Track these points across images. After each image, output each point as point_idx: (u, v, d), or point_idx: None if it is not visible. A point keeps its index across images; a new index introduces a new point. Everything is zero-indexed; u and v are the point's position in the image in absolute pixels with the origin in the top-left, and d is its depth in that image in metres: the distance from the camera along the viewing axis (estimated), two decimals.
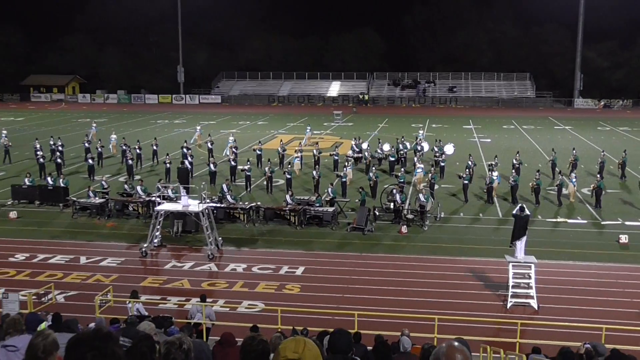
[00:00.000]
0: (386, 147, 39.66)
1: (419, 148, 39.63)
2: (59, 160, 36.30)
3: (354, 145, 40.66)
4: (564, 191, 29.79)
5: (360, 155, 39.25)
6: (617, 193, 31.99)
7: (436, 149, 38.97)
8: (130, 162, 36.51)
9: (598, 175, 31.06)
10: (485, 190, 30.93)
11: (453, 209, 29.42)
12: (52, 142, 39.88)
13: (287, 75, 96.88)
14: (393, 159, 37.74)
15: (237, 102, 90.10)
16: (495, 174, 31.12)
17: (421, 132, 48.09)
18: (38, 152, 37.09)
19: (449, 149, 38.64)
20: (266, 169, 33.03)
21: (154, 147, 40.29)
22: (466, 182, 30.86)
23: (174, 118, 68.68)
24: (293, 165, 35.27)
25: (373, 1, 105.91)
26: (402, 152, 39.47)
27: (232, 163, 34.75)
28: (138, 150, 38.70)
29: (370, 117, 69.75)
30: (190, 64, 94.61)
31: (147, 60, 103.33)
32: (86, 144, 41.23)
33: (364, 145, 40.23)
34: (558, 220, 27.40)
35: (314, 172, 32.23)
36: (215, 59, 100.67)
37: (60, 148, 39.12)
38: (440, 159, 37.06)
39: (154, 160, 39.43)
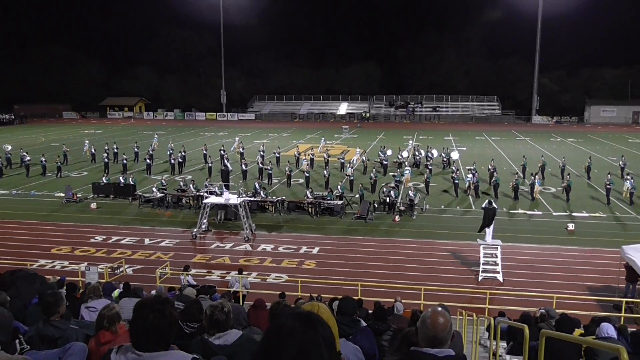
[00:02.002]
0: (404, 153, 39.54)
1: (429, 155, 39.02)
2: (124, 161, 36.68)
3: (380, 153, 40.12)
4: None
5: (386, 161, 38.49)
6: (577, 191, 31.51)
7: (444, 155, 38.60)
8: (172, 161, 37.53)
9: (568, 176, 30.41)
10: (472, 189, 30.52)
11: (440, 202, 29.24)
12: (106, 147, 40.28)
13: (306, 98, 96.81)
14: (386, 162, 37.55)
15: (267, 118, 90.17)
16: (470, 175, 31.01)
17: (411, 142, 47.91)
18: (103, 154, 37.74)
19: (454, 154, 38.43)
20: (286, 168, 33.54)
21: (204, 152, 40.48)
22: (457, 181, 30.63)
23: (218, 131, 68.86)
24: (302, 165, 36.22)
25: (373, 40, 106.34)
26: (417, 157, 39.25)
27: (260, 165, 35.22)
28: (183, 153, 39.22)
29: (371, 131, 69.55)
30: (230, 88, 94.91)
31: (197, 86, 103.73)
32: (135, 149, 42.06)
33: (389, 152, 40.06)
34: (518, 211, 27.22)
35: (325, 172, 32.49)
36: (250, 85, 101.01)
37: (115, 150, 40.89)
38: (428, 163, 36.85)
39: (205, 162, 39.32)
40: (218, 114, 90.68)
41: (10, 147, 41.15)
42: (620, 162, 35.43)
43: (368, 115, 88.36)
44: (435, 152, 39.72)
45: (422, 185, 31.53)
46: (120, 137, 58.68)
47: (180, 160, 38.15)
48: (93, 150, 41.76)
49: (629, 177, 29.59)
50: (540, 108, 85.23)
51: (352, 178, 31.98)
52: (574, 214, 26.32)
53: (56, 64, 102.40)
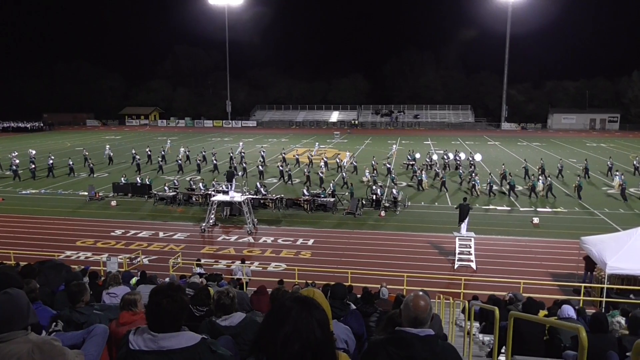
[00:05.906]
0: (435, 156, 39.37)
1: (457, 157, 38.59)
2: (138, 162, 36.60)
3: (408, 156, 39.81)
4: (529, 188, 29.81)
5: (413, 162, 37.81)
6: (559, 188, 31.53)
7: (470, 158, 38.03)
8: (179, 162, 37.66)
9: (578, 177, 30.08)
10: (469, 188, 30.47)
11: (426, 198, 29.32)
12: (108, 151, 39.82)
13: (302, 107, 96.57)
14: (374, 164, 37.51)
15: (268, 125, 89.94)
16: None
17: (394, 146, 47.86)
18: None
19: (477, 156, 37.95)
20: (287, 168, 33.69)
21: (230, 154, 40.09)
22: (474, 182, 30.31)
23: (224, 137, 68.66)
24: (320, 168, 35.16)
25: (361, 56, 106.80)
26: (446, 160, 38.69)
27: (260, 168, 35.17)
28: (199, 155, 39.30)
29: (359, 136, 69.57)
30: (235, 99, 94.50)
31: (205, 97, 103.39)
32: (147, 152, 42.05)
33: (417, 155, 39.78)
34: (490, 207, 27.30)
35: (323, 171, 32.59)
36: (252, 96, 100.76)
37: (133, 153, 40.71)
38: (425, 165, 37.00)
39: (231, 162, 38.87)
40: (224, 121, 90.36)
41: (16, 153, 40.42)
42: (609, 162, 36.43)
43: (357, 122, 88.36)
44: (463, 155, 39.04)
45: (439, 184, 31.64)
46: (137, 142, 58.44)
47: (199, 161, 38.40)
48: (110, 153, 41.40)
49: (617, 173, 30.75)
50: (509, 116, 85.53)
51: (345, 178, 32.23)
52: (538, 209, 26.43)
53: (81, 77, 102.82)
